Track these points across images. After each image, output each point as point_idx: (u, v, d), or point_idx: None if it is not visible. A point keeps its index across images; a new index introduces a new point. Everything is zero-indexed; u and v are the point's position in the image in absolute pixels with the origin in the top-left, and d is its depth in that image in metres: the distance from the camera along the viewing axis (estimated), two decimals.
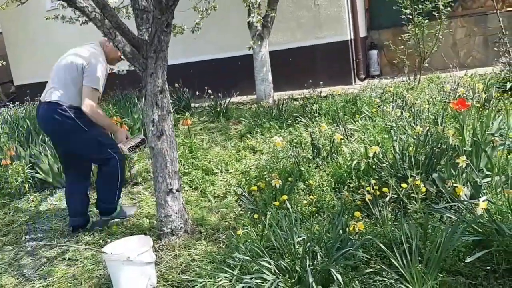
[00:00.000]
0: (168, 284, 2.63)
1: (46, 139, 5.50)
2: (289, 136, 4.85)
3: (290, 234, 2.30)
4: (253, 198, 3.20)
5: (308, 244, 2.14)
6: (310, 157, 3.47)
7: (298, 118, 4.93)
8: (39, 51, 10.37)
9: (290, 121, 5.19)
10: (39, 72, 10.46)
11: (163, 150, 3.06)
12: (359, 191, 2.98)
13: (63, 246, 3.25)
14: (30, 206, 4.56)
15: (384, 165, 2.85)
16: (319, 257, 2.17)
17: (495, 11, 7.08)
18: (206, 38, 7.81)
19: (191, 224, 3.25)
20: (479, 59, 7.35)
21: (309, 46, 7.60)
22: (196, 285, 2.49)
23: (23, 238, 3.74)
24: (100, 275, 2.90)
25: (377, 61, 7.96)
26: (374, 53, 7.95)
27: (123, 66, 6.94)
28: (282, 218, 2.46)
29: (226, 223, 3.29)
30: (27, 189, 4.88)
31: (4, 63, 10.27)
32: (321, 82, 6.77)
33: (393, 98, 4.77)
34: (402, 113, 3.96)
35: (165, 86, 3.05)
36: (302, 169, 3.19)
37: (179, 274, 2.70)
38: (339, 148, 3.46)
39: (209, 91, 7.38)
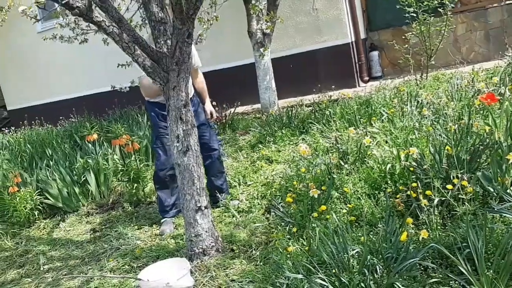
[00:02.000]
0: None
1: (51, 162, 5.32)
2: (304, 143, 4.72)
3: (342, 247, 2.15)
4: (286, 210, 3.05)
5: (368, 257, 2.00)
6: (338, 164, 3.33)
7: (312, 124, 4.80)
8: (30, 74, 10.18)
9: (303, 128, 5.06)
10: (32, 95, 10.29)
11: (190, 166, 2.92)
12: (397, 196, 2.85)
13: (96, 276, 3.06)
14: (43, 234, 4.38)
15: (425, 166, 2.72)
16: (378, 270, 2.03)
17: (494, 5, 7.06)
18: (204, 49, 7.70)
19: (221, 242, 3.09)
20: (482, 54, 7.31)
21: (309, 51, 7.50)
22: None
23: (42, 269, 3.56)
24: None
25: (379, 62, 7.89)
26: (375, 54, 7.88)
27: (125, 83, 6.82)
28: (330, 230, 2.32)
29: (257, 238, 3.14)
30: (37, 216, 4.70)
31: None
32: (332, 86, 6.65)
33: (408, 97, 4.66)
34: (423, 112, 3.84)
35: (188, 99, 2.91)
36: (335, 176, 3.06)
37: None
38: (368, 152, 3.33)
39: (214, 102, 7.23)
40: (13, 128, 8.82)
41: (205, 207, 2.99)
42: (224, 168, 4.07)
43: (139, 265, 3.20)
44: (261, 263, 2.75)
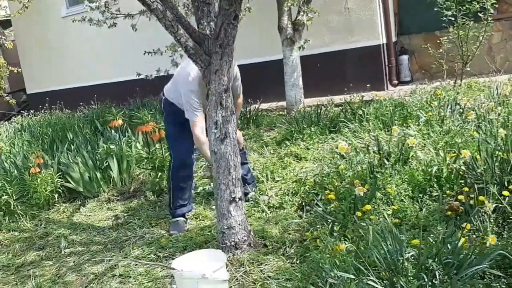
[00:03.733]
0: None
1: (72, 146, 5.23)
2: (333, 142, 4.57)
3: (397, 248, 2.00)
4: (326, 208, 2.90)
5: (430, 260, 1.84)
6: (380, 163, 3.17)
7: (344, 123, 4.65)
8: (52, 59, 10.13)
9: (333, 127, 4.91)
10: (53, 80, 10.23)
11: (227, 154, 2.78)
12: (444, 201, 2.69)
13: (129, 260, 2.94)
14: (63, 217, 4.27)
15: (478, 170, 2.56)
16: (437, 275, 1.87)
17: None
18: None
19: (253, 236, 2.95)
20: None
21: (339, 50, 7.33)
22: None
23: (63, 252, 3.44)
24: None
25: (408, 67, 7.70)
26: (404, 58, 7.69)
27: (151, 71, 6.72)
28: (380, 231, 2.17)
29: (290, 235, 2.99)
30: (57, 199, 4.60)
31: (19, 70, 10.04)
32: (361, 88, 6.47)
33: (446, 102, 4.49)
34: (468, 115, 3.67)
35: (230, 85, 2.77)
36: (378, 176, 2.90)
37: None
38: (410, 154, 3.17)
39: None
40: (32, 111, 8.78)
41: (239, 199, 2.86)
42: (247, 160, 3.93)
43: (166, 255, 3.07)
44: (298, 261, 2.60)
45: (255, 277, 2.53)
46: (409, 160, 3.19)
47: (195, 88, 3.16)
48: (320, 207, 2.83)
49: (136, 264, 3.00)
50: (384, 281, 1.96)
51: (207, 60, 2.72)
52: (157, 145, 4.53)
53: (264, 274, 2.56)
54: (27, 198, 4.53)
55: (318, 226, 2.91)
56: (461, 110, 4.19)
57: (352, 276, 1.95)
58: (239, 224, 2.84)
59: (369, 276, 1.94)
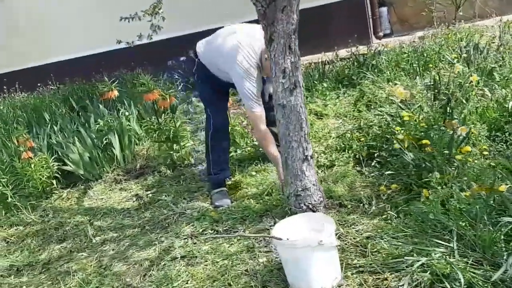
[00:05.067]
0: (357, 271, 2.04)
1: (55, 127, 4.64)
2: (354, 95, 4.32)
3: None
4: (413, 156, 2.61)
5: None
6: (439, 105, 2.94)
7: (363, 74, 4.38)
8: None
9: (346, 81, 4.65)
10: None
11: (297, 106, 2.43)
12: None
13: (243, 236, 2.53)
14: (71, 204, 3.76)
15: None
16: None
17: None
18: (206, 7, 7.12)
19: (325, 197, 2.65)
20: (495, 8, 7.09)
21: (320, 5, 7.01)
22: (405, 265, 1.94)
23: (94, 241, 2.99)
24: (246, 270, 2.25)
25: (388, 19, 7.54)
26: (384, 10, 7.50)
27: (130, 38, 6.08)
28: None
29: (361, 192, 2.72)
30: (55, 186, 4.05)
31: None
32: (351, 39, 6.20)
33: (461, 43, 4.34)
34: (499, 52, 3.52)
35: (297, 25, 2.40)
36: (455, 116, 2.67)
37: (365, 256, 2.11)
38: (472, 92, 2.97)
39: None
40: None
41: (311, 157, 2.53)
42: None
43: (225, 228, 2.72)
44: (396, 219, 2.32)
45: (357, 238, 2.24)
46: (469, 99, 2.98)
47: (254, 73, 2.84)
48: (406, 154, 2.55)
49: (195, 243, 2.63)
50: None
51: None
52: (167, 115, 4.08)
53: (362, 234, 2.28)
54: (20, 188, 3.96)
55: (393, 179, 2.67)
56: (484, 49, 4.03)
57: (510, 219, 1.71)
58: (314, 185, 2.53)
59: None
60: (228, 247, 2.51)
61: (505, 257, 1.80)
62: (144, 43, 5.68)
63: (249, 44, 2.88)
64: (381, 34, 7.18)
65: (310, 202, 2.50)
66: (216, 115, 3.18)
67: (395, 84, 4.16)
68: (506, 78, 3.10)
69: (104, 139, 4.22)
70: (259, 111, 2.88)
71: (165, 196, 3.42)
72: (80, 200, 3.79)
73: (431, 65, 4.22)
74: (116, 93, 4.36)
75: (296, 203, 2.52)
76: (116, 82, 4.54)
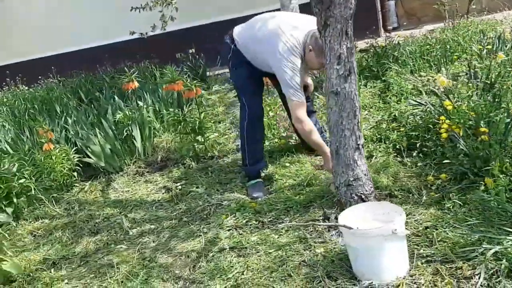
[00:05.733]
0: (426, 260, 2.00)
1: (69, 120, 4.53)
2: (377, 87, 4.28)
3: None
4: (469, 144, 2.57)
5: None
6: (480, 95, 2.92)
7: (387, 65, 4.34)
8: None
9: (367, 72, 4.60)
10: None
11: (352, 94, 2.38)
12: None
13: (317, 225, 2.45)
14: (96, 197, 3.67)
15: None
16: None
17: None
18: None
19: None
20: (498, 3, 7.11)
21: None
22: (476, 253, 1.90)
23: (131, 233, 2.91)
24: (303, 261, 2.19)
25: (395, 12, 7.54)
26: (391, 4, 7.49)
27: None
28: None
29: (408, 183, 2.68)
30: (76, 178, 3.95)
31: None
32: (366, 33, 6.15)
33: (487, 35, 4.32)
34: None
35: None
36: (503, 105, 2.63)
37: (431, 246, 2.07)
38: (509, 81, 2.95)
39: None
40: None
41: (362, 146, 2.48)
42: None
43: (270, 219, 2.66)
44: (455, 209, 2.28)
45: (418, 228, 2.20)
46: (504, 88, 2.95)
47: (297, 61, 2.79)
48: (461, 143, 2.51)
49: (241, 233, 2.57)
50: None
51: None
52: (192, 106, 4.00)
53: (421, 224, 2.24)
54: (40, 180, 3.84)
55: (441, 169, 2.64)
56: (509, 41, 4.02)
57: None
58: (365, 175, 2.47)
59: None
60: (278, 237, 2.46)
61: None
62: (144, 36, 5.60)
63: (292, 32, 2.81)
64: (390, 27, 7.17)
65: (361, 192, 2.45)
66: (252, 105, 3.11)
67: (420, 75, 4.14)
68: None
69: (125, 130, 4.12)
70: (302, 100, 2.83)
71: (196, 187, 3.35)
72: (105, 192, 3.69)
73: (455, 57, 4.20)
74: (136, 84, 4.26)
75: (348, 193, 2.46)
76: (136, 73, 4.42)
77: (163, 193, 3.44)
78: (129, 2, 5.37)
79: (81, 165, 4.00)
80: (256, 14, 3.33)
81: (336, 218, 2.44)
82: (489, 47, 3.94)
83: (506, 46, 3.96)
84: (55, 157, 3.82)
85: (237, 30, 3.09)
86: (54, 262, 2.78)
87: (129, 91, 4.48)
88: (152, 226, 2.93)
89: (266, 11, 3.21)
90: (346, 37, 2.30)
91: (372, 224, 1.96)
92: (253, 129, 3.10)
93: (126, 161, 4.09)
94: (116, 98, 4.80)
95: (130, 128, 4.10)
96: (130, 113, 4.21)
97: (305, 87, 3.15)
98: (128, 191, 3.64)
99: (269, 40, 2.86)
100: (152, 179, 3.75)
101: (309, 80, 3.36)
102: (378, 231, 1.83)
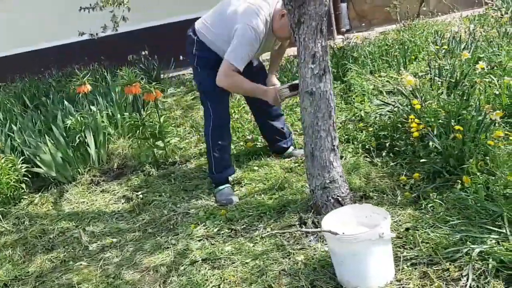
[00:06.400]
0: (411, 263, 1.94)
1: (14, 127, 4.19)
2: (338, 88, 4.26)
3: None
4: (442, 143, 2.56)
5: None
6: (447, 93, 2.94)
7: (347, 66, 4.32)
8: None
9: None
10: None
11: (327, 93, 2.30)
12: None
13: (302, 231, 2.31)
14: (48, 210, 3.39)
15: None
16: None
17: None
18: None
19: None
20: (446, 5, 7.37)
21: None
22: (461, 254, 1.87)
23: (90, 248, 2.68)
24: (283, 270, 2.08)
25: (347, 15, 7.62)
26: (343, 6, 7.56)
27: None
28: None
29: (381, 183, 2.64)
30: (24, 190, 3.65)
31: None
32: None
33: (436, 35, 4.42)
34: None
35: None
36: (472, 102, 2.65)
37: (413, 248, 2.02)
38: (476, 79, 2.98)
39: (181, 57, 6.42)
40: None
41: (337, 147, 2.41)
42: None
43: (243, 227, 2.53)
44: (428, 206, 2.25)
45: (399, 230, 2.14)
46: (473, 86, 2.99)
47: (261, 28, 2.66)
48: (434, 141, 2.49)
49: (213, 243, 2.42)
50: None
51: None
52: (149, 109, 3.80)
53: (401, 225, 2.19)
54: None
55: (412, 168, 2.62)
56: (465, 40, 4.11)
57: None
58: (341, 176, 2.40)
59: None
60: (253, 246, 2.33)
61: None
62: (94, 37, 5.31)
63: (261, 2, 2.69)
64: (343, 29, 7.23)
65: (338, 194, 2.38)
66: (217, 110, 2.93)
67: (380, 75, 4.16)
68: (504, 66, 3.15)
69: (77, 137, 3.85)
70: (238, 70, 2.66)
71: (159, 196, 3.17)
72: (58, 204, 3.42)
73: (413, 57, 4.25)
74: (89, 87, 4.01)
75: (324, 196, 2.38)
76: (89, 75, 4.16)
77: (123, 203, 3.23)
78: (78, 2, 5.09)
79: (29, 176, 3.70)
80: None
81: (313, 222, 2.37)
82: (446, 47, 4.02)
83: (461, 46, 4.04)
84: (0, 168, 3.50)
85: (199, 20, 2.92)
86: (5, 284, 2.51)
87: (80, 95, 4.21)
88: (114, 240, 2.72)
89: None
90: (321, 35, 2.23)
91: (357, 228, 1.88)
92: (220, 135, 2.95)
93: (79, 170, 3.82)
94: (66, 103, 4.49)
95: (83, 135, 3.84)
96: (82, 118, 3.94)
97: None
98: (84, 202, 3.39)
99: (236, 14, 2.70)
100: (110, 188, 3.52)
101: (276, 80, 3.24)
102: (365, 236, 1.75)
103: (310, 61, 2.25)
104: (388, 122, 2.99)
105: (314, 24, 2.19)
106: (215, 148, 2.95)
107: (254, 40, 2.64)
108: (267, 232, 2.34)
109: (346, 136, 3.23)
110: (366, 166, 2.86)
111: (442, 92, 2.82)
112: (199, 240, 2.48)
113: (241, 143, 3.63)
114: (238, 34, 2.63)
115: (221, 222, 2.60)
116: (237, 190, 3.00)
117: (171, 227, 2.72)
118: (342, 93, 4.14)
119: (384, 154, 2.91)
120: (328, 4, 2.21)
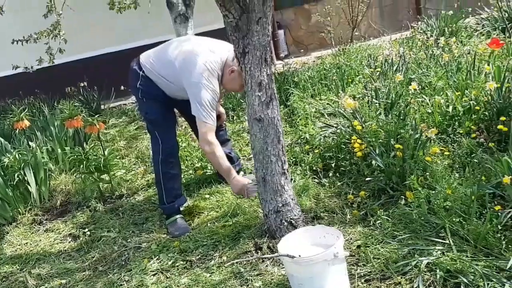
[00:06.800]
0: (365, 279, 2.01)
1: None
2: (282, 112, 4.37)
3: None
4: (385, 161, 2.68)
5: None
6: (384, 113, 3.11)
7: (290, 90, 4.45)
8: None
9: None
10: None
11: (275, 120, 2.37)
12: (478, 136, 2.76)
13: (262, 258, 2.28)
14: None
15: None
16: None
17: None
18: (112, 26, 6.64)
19: None
20: (377, 30, 7.81)
21: (219, 29, 7.05)
22: (410, 267, 1.97)
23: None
24: None
25: (285, 41, 7.87)
26: (281, 33, 7.81)
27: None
28: None
29: (330, 203, 2.73)
30: None
31: None
32: None
33: (370, 59, 4.68)
34: (444, 57, 3.85)
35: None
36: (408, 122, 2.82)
37: (366, 264, 2.09)
38: (410, 99, 3.18)
39: (122, 87, 6.31)
40: None
41: (287, 171, 2.48)
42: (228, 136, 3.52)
43: (198, 257, 2.51)
44: (377, 223, 2.36)
45: (351, 248, 2.21)
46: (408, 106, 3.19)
47: (216, 84, 2.73)
48: (378, 160, 2.61)
49: (168, 277, 2.38)
50: None
51: (240, 9, 2.23)
52: (91, 142, 3.71)
53: (352, 243, 2.27)
54: None
55: (358, 187, 2.73)
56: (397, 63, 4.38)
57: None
58: (292, 199, 2.47)
59: None
60: (210, 276, 2.32)
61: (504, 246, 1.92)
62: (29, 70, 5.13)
63: (209, 55, 2.75)
64: (282, 55, 7.45)
65: (291, 217, 2.43)
66: (166, 139, 2.94)
67: (320, 99, 4.32)
68: (433, 86, 3.38)
69: (16, 175, 3.67)
70: (212, 123, 2.73)
71: (108, 231, 3.08)
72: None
73: (349, 80, 4.46)
74: (27, 123, 3.86)
75: (277, 220, 2.42)
76: (26, 111, 4.00)
77: (69, 242, 3.11)
78: (11, 34, 4.91)
79: None
80: (151, 44, 3.21)
81: (269, 247, 2.40)
82: (379, 69, 4.26)
83: (393, 68, 4.30)
84: None
85: (145, 55, 2.93)
86: None
87: (17, 131, 4.04)
88: (63, 281, 2.60)
89: (161, 41, 3.09)
90: (265, 64, 2.30)
91: (313, 249, 1.93)
92: (169, 164, 2.93)
93: (19, 209, 3.63)
94: (2, 140, 4.28)
95: (22, 172, 3.67)
96: (20, 155, 3.77)
97: (218, 116, 3.08)
98: (27, 243, 3.22)
99: (186, 62, 2.74)
100: (54, 227, 3.37)
101: (221, 109, 3.30)
102: (321, 256, 1.81)
103: (256, 89, 2.31)
104: (332, 143, 3.11)
105: (259, 54, 2.27)
106: (165, 178, 2.93)
107: (207, 77, 2.71)
108: (231, 262, 2.32)
109: (294, 159, 3.32)
110: (315, 187, 2.95)
111: (380, 113, 2.98)
112: (154, 275, 2.44)
113: (191, 172, 3.62)
114: (190, 87, 2.70)
115: (175, 254, 2.57)
116: (189, 220, 2.98)
117: (123, 263, 2.65)
118: (286, 117, 4.25)
119: (331, 174, 3.01)
120: (270, 34, 2.30)
